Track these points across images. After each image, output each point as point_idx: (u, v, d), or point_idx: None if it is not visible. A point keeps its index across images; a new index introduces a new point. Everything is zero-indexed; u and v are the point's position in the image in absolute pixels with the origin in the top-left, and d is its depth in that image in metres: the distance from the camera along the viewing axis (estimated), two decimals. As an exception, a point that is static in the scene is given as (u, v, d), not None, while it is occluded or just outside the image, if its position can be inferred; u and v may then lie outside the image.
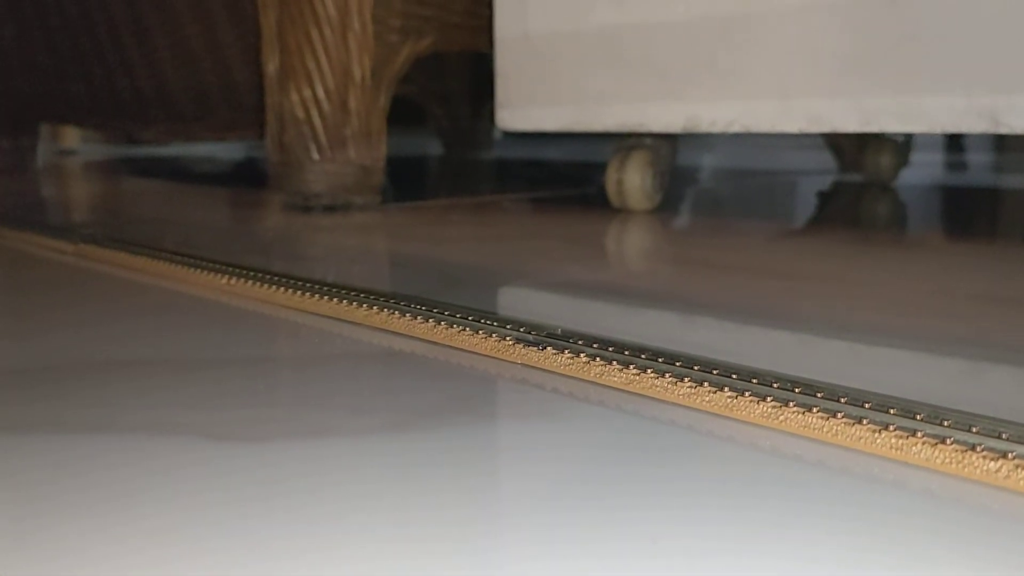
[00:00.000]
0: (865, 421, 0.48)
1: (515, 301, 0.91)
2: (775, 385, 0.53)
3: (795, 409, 0.51)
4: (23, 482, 0.45)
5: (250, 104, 1.65)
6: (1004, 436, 0.45)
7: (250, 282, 0.87)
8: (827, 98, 1.12)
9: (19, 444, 0.50)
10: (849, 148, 1.97)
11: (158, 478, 0.45)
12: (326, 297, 0.79)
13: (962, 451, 0.45)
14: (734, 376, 0.55)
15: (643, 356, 0.59)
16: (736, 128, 1.20)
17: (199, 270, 0.93)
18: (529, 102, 1.39)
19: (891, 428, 0.47)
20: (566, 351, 0.62)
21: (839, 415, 0.49)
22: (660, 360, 0.58)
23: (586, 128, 1.35)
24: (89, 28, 1.97)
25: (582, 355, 0.61)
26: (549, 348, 0.63)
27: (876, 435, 0.47)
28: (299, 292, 0.82)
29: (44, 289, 0.98)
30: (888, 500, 0.43)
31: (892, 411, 0.48)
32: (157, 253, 1.01)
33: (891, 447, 0.46)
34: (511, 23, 1.38)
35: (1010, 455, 0.44)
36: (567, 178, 2.28)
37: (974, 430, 0.46)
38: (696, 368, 0.56)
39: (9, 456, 0.48)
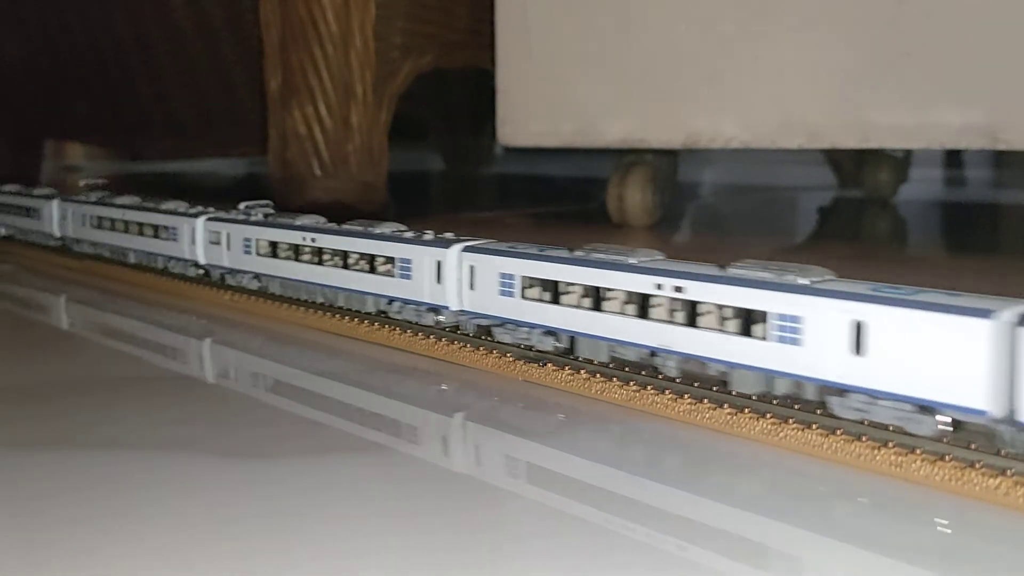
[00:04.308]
0: (864, 438, 0.48)
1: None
2: (775, 402, 0.53)
3: (795, 426, 0.51)
4: (32, 496, 0.45)
5: (252, 121, 1.66)
6: (1003, 453, 0.45)
7: (253, 297, 0.88)
8: (826, 115, 1.12)
9: (28, 460, 0.50)
10: (848, 164, 1.98)
11: (164, 493, 0.46)
12: (328, 313, 0.80)
13: (961, 468, 0.45)
14: (734, 393, 0.55)
15: (643, 372, 0.59)
16: (736, 144, 1.21)
17: (201, 285, 0.94)
18: (530, 118, 1.39)
19: (890, 445, 0.47)
20: (567, 367, 0.62)
21: (838, 432, 0.49)
22: (660, 377, 0.58)
23: (587, 144, 1.36)
24: (94, 46, 1.98)
25: (583, 371, 0.61)
26: (550, 364, 0.63)
27: (875, 452, 0.47)
28: (302, 308, 0.82)
29: (51, 305, 0.98)
30: (888, 515, 0.43)
31: (891, 428, 0.48)
32: (163, 270, 1.01)
33: (890, 464, 0.47)
34: (513, 40, 1.38)
35: (1009, 472, 0.44)
36: (568, 194, 2.28)
37: (972, 447, 0.46)
38: (696, 385, 0.57)
39: (19, 471, 0.49)
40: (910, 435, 0.47)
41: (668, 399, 0.56)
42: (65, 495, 0.45)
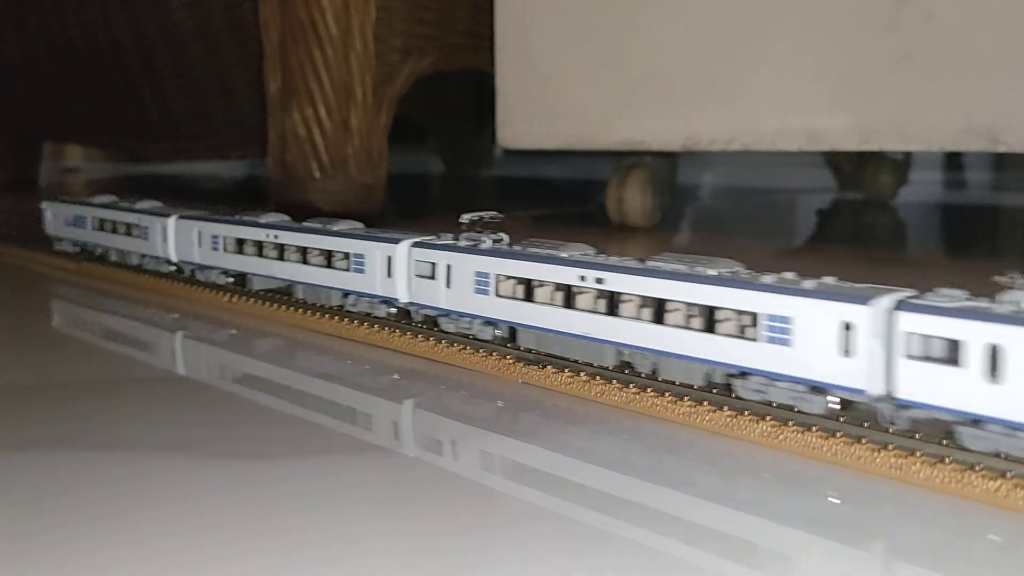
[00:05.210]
0: (864, 440, 0.48)
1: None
2: (774, 404, 0.53)
3: (794, 428, 0.51)
4: (29, 498, 0.45)
5: (252, 123, 1.66)
6: (1003, 455, 0.45)
7: (252, 300, 0.88)
8: (826, 117, 1.12)
9: (25, 462, 0.50)
10: (848, 166, 1.98)
11: (163, 495, 0.46)
12: (327, 315, 0.80)
13: (961, 470, 0.45)
14: (734, 396, 0.55)
15: (643, 375, 0.59)
16: (736, 146, 1.21)
17: (202, 288, 0.94)
18: (530, 120, 1.39)
19: (890, 447, 0.47)
20: (566, 370, 0.62)
21: (838, 434, 0.49)
22: (660, 379, 0.58)
23: (586, 146, 1.36)
24: (93, 48, 1.98)
25: (582, 374, 0.61)
26: (549, 367, 0.63)
27: (875, 455, 0.47)
28: (301, 310, 0.82)
29: (47, 306, 0.98)
30: (888, 518, 0.43)
31: (891, 430, 0.48)
32: (160, 271, 1.01)
33: (891, 466, 0.47)
34: (512, 42, 1.38)
35: (1009, 474, 0.44)
36: (568, 196, 2.28)
37: (972, 450, 0.46)
38: (696, 387, 0.56)
39: (16, 472, 0.48)
40: (911, 438, 0.47)
41: (668, 401, 0.56)
42: (64, 497, 0.45)
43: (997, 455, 0.45)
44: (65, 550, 0.40)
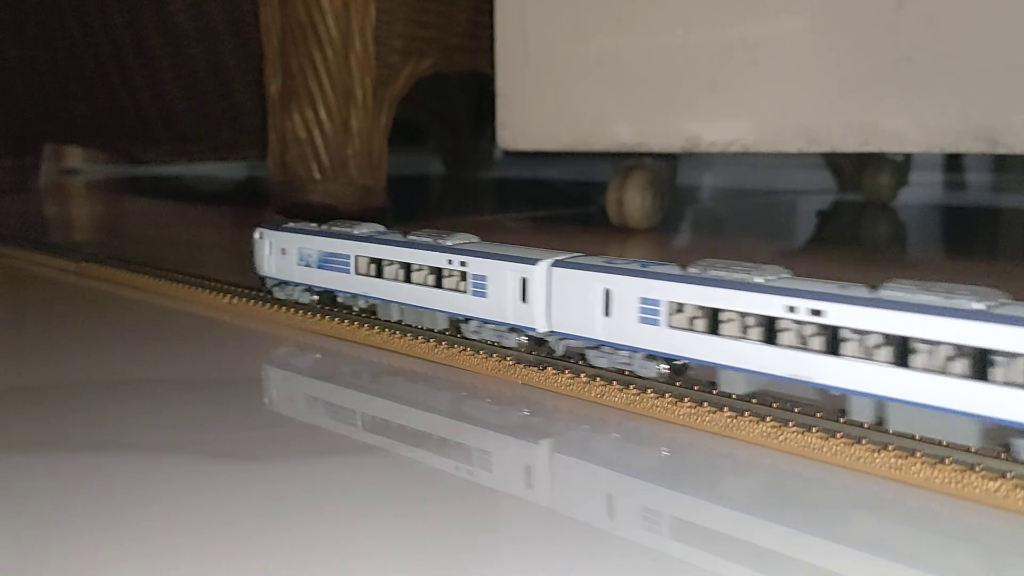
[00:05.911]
0: (864, 441, 0.48)
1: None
2: (774, 405, 0.53)
3: (794, 429, 0.51)
4: (27, 498, 0.45)
5: (252, 124, 1.66)
6: (1003, 456, 0.45)
7: (251, 301, 0.88)
8: (826, 119, 1.12)
9: (24, 462, 0.50)
10: (848, 168, 1.98)
11: (159, 495, 0.46)
12: (327, 317, 0.80)
13: (961, 471, 0.45)
14: (733, 396, 0.55)
15: (642, 376, 0.59)
16: (736, 148, 1.21)
17: (201, 289, 0.94)
18: (530, 122, 1.39)
19: (890, 448, 0.47)
20: (566, 371, 0.62)
21: (838, 435, 0.49)
22: (660, 380, 0.58)
23: (587, 148, 1.36)
24: (93, 49, 1.98)
25: (582, 375, 0.61)
26: (549, 368, 0.63)
27: (875, 455, 0.47)
28: (300, 312, 0.82)
29: (47, 307, 0.98)
30: (888, 519, 0.43)
31: (891, 431, 0.48)
32: (159, 272, 1.01)
33: (891, 467, 0.47)
34: (512, 44, 1.39)
35: (1009, 474, 0.44)
36: (568, 197, 2.28)
37: (972, 449, 0.46)
38: (695, 388, 0.56)
39: (14, 473, 0.48)
40: (911, 438, 0.48)
41: (668, 403, 0.56)
42: (60, 496, 0.45)
43: (997, 455, 0.45)
44: (65, 550, 0.40)
